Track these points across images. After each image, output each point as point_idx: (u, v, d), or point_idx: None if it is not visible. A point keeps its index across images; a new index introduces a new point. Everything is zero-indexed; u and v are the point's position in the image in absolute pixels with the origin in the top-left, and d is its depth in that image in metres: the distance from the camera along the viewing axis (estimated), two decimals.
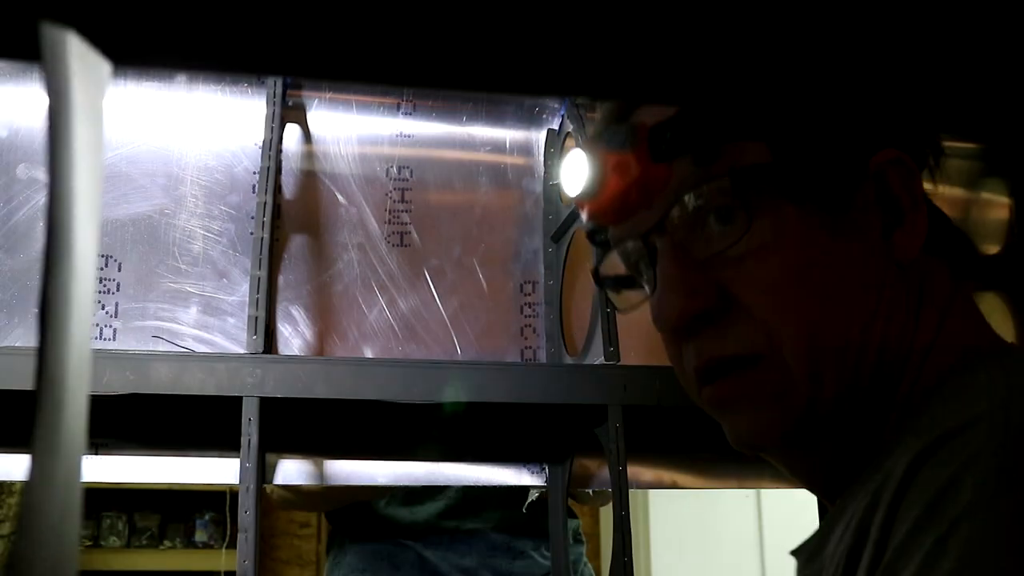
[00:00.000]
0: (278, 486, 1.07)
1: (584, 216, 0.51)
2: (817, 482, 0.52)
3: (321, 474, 0.97)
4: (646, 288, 0.52)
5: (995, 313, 0.88)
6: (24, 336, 0.89)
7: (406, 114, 1.05)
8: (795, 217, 0.46)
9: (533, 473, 1.01)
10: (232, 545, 2.69)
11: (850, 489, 0.46)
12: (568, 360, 0.98)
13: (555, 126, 1.07)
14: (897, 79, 0.26)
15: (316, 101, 1.03)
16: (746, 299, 0.46)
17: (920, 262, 0.48)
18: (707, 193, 0.46)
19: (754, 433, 0.49)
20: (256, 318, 0.83)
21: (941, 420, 0.41)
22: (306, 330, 0.97)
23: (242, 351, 0.87)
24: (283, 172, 0.99)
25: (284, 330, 0.96)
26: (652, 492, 2.61)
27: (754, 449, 0.51)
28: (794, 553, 0.52)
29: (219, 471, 0.92)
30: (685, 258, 0.47)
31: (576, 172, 0.50)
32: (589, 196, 0.49)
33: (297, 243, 0.99)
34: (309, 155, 1.01)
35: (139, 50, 0.22)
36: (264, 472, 0.89)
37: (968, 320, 0.49)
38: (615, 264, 0.54)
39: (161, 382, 0.75)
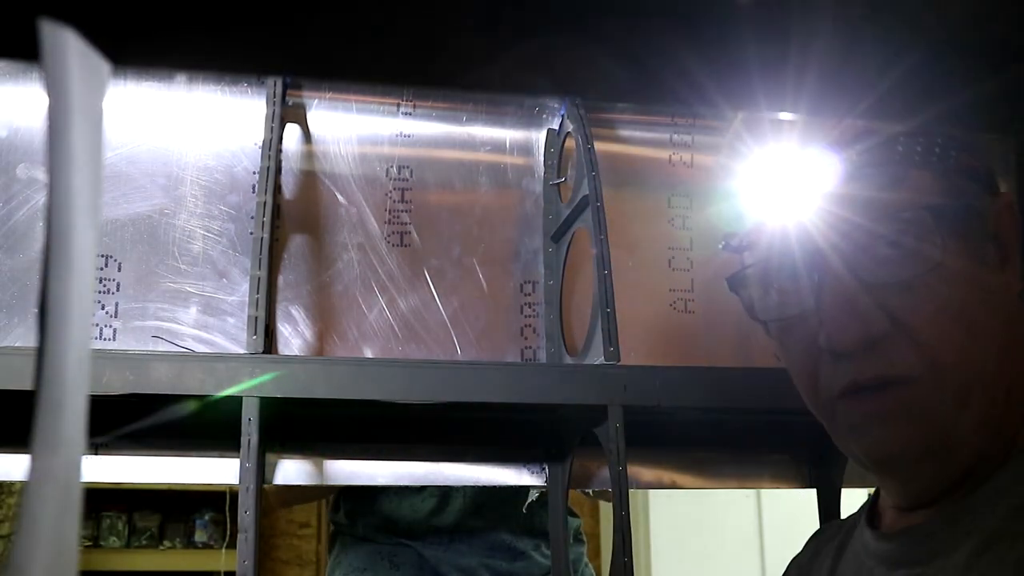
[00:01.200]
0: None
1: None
2: (919, 496, 0.53)
3: (321, 474, 0.97)
4: (800, 305, 0.53)
5: None
6: (24, 336, 0.89)
7: (406, 114, 1.05)
8: (964, 253, 0.49)
9: (533, 473, 1.01)
10: (232, 545, 2.69)
11: (967, 504, 0.49)
12: (568, 360, 0.98)
13: (555, 126, 1.07)
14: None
15: (316, 101, 1.03)
16: (914, 325, 0.49)
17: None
18: (898, 222, 0.48)
19: (900, 446, 0.50)
20: (256, 318, 0.83)
21: None
22: (306, 330, 0.97)
23: (242, 351, 0.87)
24: (283, 172, 0.99)
25: (284, 330, 0.96)
26: (652, 492, 2.61)
27: (888, 464, 0.52)
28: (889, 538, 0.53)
29: (219, 471, 0.92)
30: (856, 281, 0.49)
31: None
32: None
33: (297, 243, 0.99)
34: (309, 155, 1.01)
35: (139, 50, 0.22)
36: (264, 472, 0.89)
37: None
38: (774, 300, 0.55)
39: (161, 382, 0.75)
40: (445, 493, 1.27)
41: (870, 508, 0.59)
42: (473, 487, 1.21)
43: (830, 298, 0.50)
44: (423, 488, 1.26)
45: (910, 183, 0.48)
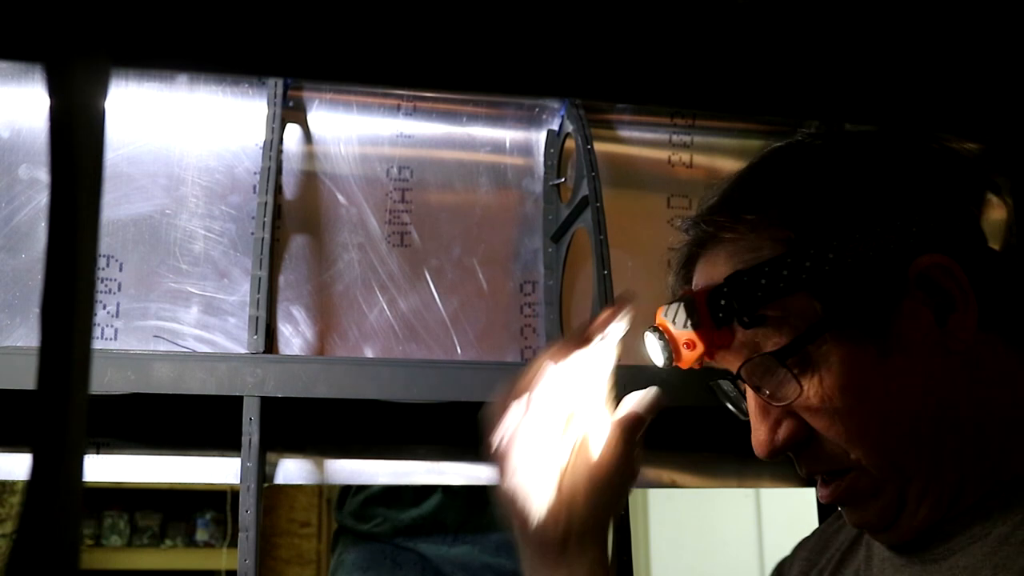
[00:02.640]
0: None
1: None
2: (919, 541, 0.55)
3: (322, 473, 0.97)
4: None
5: None
6: (26, 336, 0.90)
7: (406, 114, 1.05)
8: (845, 356, 0.50)
9: None
10: (233, 544, 2.69)
11: (982, 509, 0.50)
12: None
13: (555, 127, 1.07)
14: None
15: (316, 102, 1.03)
16: (821, 431, 0.52)
17: (979, 342, 0.51)
18: (755, 365, 0.52)
19: (871, 519, 0.54)
20: (257, 318, 0.83)
21: None
22: (306, 330, 0.97)
23: (243, 351, 0.87)
24: (284, 172, 0.99)
25: (285, 330, 0.96)
26: (652, 492, 2.61)
27: (874, 530, 0.55)
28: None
29: (220, 470, 0.92)
30: (761, 400, 0.54)
31: (654, 349, 0.58)
32: (671, 365, 0.57)
33: (297, 243, 0.99)
34: (310, 155, 1.02)
35: (140, 51, 0.22)
36: (265, 471, 0.89)
37: None
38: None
39: (162, 382, 0.76)
40: (447, 490, 1.27)
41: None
42: (473, 487, 1.21)
43: (750, 411, 0.56)
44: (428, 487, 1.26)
45: (786, 311, 0.51)
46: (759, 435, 0.55)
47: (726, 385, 0.59)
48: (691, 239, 0.56)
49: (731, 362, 0.55)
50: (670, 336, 0.55)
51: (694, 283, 0.56)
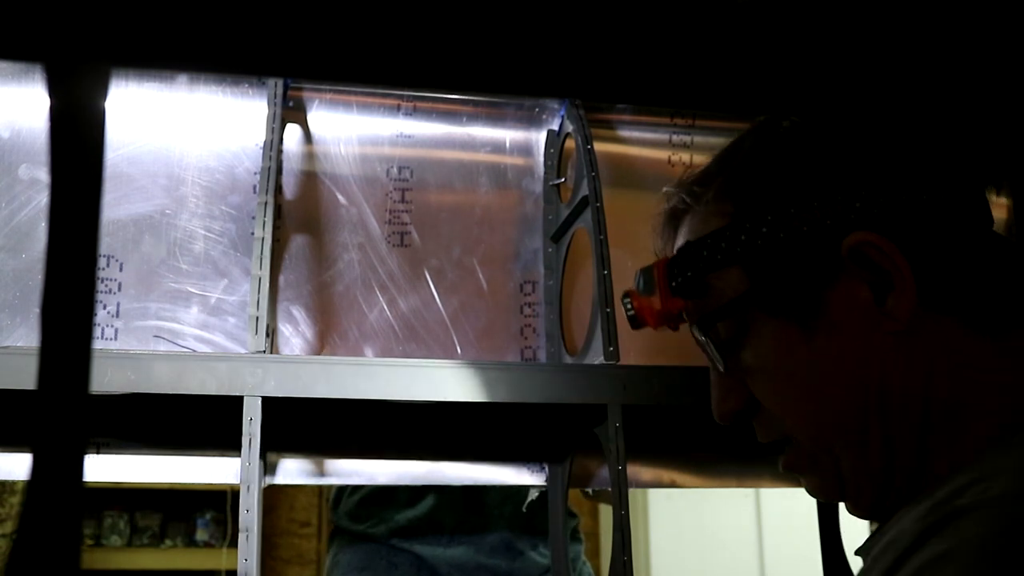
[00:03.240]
0: None
1: None
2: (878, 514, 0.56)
3: (322, 473, 0.97)
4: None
5: None
6: (26, 336, 0.90)
7: (406, 114, 1.05)
8: (772, 331, 0.52)
9: (533, 473, 1.01)
10: (233, 544, 2.69)
11: (898, 515, 0.50)
12: (568, 360, 0.98)
13: (555, 126, 1.07)
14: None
15: (316, 101, 1.03)
16: (763, 402, 0.55)
17: (927, 326, 0.50)
18: (704, 332, 0.55)
19: (817, 494, 0.56)
20: (257, 318, 0.83)
21: (958, 495, 0.44)
22: (307, 330, 0.97)
23: (243, 351, 0.87)
24: (284, 172, 0.99)
25: (285, 330, 0.96)
26: (652, 492, 2.61)
27: (827, 498, 0.57)
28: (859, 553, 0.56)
29: (220, 470, 0.92)
30: (712, 364, 0.57)
31: (625, 313, 0.62)
32: (638, 328, 0.61)
33: (298, 243, 0.99)
34: (310, 155, 1.02)
35: (140, 51, 0.22)
36: (265, 471, 0.89)
37: (1000, 375, 0.50)
38: None
39: (162, 382, 0.76)
40: (443, 491, 1.27)
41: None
42: (472, 487, 1.21)
43: (711, 378, 0.58)
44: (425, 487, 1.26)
45: (721, 283, 0.53)
46: (713, 400, 0.58)
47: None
48: (665, 209, 0.59)
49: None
50: (636, 302, 0.59)
51: (664, 252, 0.60)
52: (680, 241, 0.56)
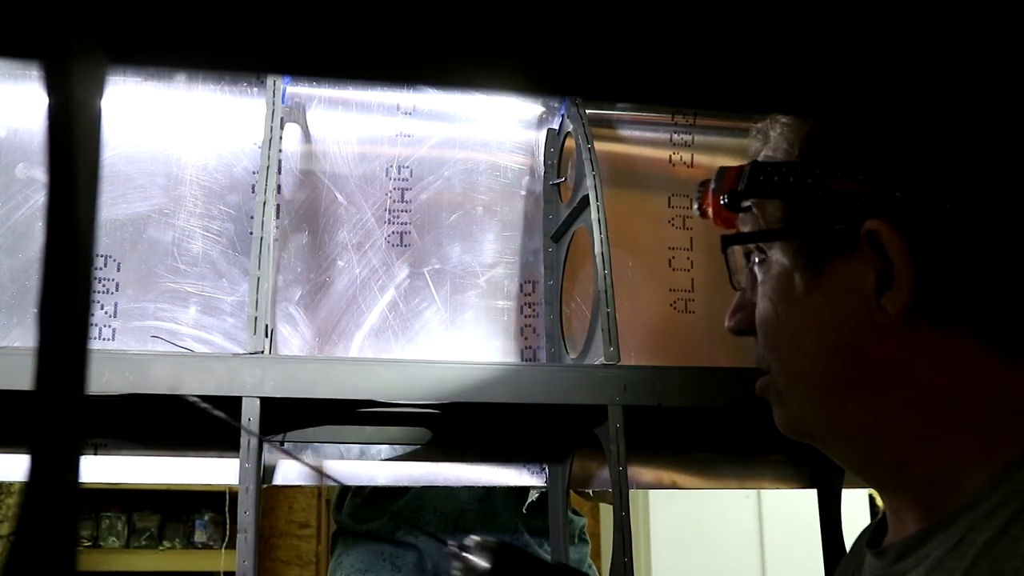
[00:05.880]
0: None
1: None
2: (873, 481, 0.57)
3: (320, 475, 0.96)
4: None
5: None
6: (23, 336, 0.89)
7: (406, 114, 1.05)
8: (782, 272, 0.55)
9: (533, 473, 1.01)
10: (231, 545, 2.69)
11: (944, 520, 0.50)
12: (568, 360, 0.98)
13: (555, 126, 1.07)
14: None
15: (316, 101, 1.03)
16: (757, 326, 0.57)
17: (937, 339, 0.50)
18: (741, 245, 0.59)
19: (781, 424, 0.58)
20: (256, 318, 0.83)
21: None
22: (306, 330, 0.97)
23: (241, 351, 0.87)
24: (283, 172, 0.99)
25: (284, 330, 0.96)
26: (652, 492, 2.61)
27: (795, 436, 0.59)
28: (873, 549, 0.57)
29: (218, 471, 0.92)
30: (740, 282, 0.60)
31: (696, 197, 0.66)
32: (704, 215, 0.64)
33: (297, 243, 0.98)
34: (309, 155, 1.01)
35: (138, 49, 0.22)
36: (263, 472, 0.89)
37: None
38: None
39: (160, 382, 0.75)
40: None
41: (873, 532, 0.59)
42: (473, 487, 1.21)
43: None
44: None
45: (762, 210, 0.57)
46: (729, 310, 0.61)
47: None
48: (759, 127, 0.62)
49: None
50: (705, 195, 0.63)
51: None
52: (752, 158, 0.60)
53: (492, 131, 1.06)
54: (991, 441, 0.49)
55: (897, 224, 0.50)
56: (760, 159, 0.57)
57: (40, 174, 0.93)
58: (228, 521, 2.82)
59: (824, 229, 0.53)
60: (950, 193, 0.50)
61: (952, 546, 0.48)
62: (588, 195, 0.91)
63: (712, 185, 0.61)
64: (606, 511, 2.71)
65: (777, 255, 0.55)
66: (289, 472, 0.94)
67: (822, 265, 0.53)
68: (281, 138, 0.97)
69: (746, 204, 0.57)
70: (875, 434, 0.52)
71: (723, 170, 0.60)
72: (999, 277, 0.50)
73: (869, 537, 0.58)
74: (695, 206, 0.64)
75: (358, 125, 1.03)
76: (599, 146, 0.96)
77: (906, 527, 0.53)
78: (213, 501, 2.93)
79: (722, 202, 0.58)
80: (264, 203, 0.87)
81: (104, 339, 0.91)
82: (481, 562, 0.68)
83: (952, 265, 0.50)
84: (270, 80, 0.97)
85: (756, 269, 0.57)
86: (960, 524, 0.48)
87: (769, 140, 0.59)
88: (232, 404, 0.77)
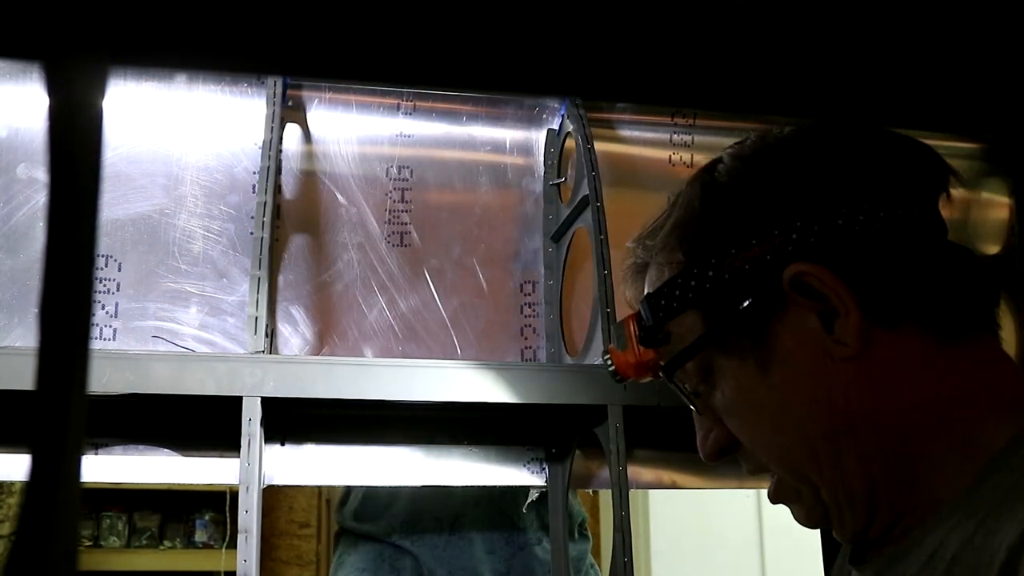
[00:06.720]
0: None
1: None
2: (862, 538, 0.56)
3: (321, 474, 0.96)
4: None
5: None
6: (24, 336, 0.89)
7: (406, 114, 1.05)
8: (732, 369, 0.54)
9: (533, 473, 1.01)
10: (232, 545, 2.68)
11: (929, 532, 0.49)
12: (568, 360, 0.98)
13: (555, 126, 1.07)
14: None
15: (316, 101, 1.03)
16: (738, 436, 0.56)
17: (886, 344, 0.50)
18: (679, 376, 0.57)
19: (802, 521, 0.56)
20: (256, 318, 0.83)
21: None
22: (306, 330, 0.97)
23: (242, 351, 0.87)
24: (283, 172, 0.99)
25: (284, 330, 0.96)
26: (652, 492, 2.61)
27: (815, 527, 0.57)
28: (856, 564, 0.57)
29: (219, 471, 0.92)
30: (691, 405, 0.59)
31: (607, 366, 0.65)
32: (623, 382, 0.66)
33: (297, 243, 0.99)
34: (309, 155, 1.01)
35: (139, 49, 0.22)
36: (264, 472, 0.89)
37: (978, 379, 0.50)
38: None
39: (161, 382, 0.75)
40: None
41: (854, 547, 0.59)
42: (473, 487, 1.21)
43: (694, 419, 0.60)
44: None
45: (680, 329, 0.55)
46: (698, 440, 0.59)
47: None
48: (629, 264, 0.61)
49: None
50: (615, 357, 0.63)
51: (635, 306, 0.62)
52: (643, 295, 0.59)
53: (492, 131, 1.06)
54: (964, 457, 0.49)
55: (812, 258, 0.51)
56: (650, 290, 0.57)
57: (41, 174, 0.93)
58: (228, 521, 2.82)
59: (748, 306, 0.52)
60: (857, 207, 0.51)
61: (923, 563, 0.48)
62: (588, 195, 0.91)
63: (616, 343, 0.60)
64: (606, 510, 2.71)
65: (719, 359, 0.54)
66: (289, 472, 0.94)
67: (764, 339, 0.52)
68: (281, 138, 0.97)
69: (661, 336, 0.56)
70: (876, 464, 0.51)
71: (617, 327, 0.60)
72: (924, 266, 0.51)
73: (851, 553, 0.58)
74: (615, 379, 0.63)
75: (358, 125, 1.03)
76: (599, 146, 0.96)
77: (848, 522, 0.53)
78: (214, 501, 2.93)
79: (641, 342, 0.57)
80: (264, 203, 0.87)
81: (105, 339, 0.91)
82: None
83: (882, 270, 0.51)
84: (270, 80, 0.97)
85: (704, 387, 0.56)
86: (929, 541, 0.48)
87: (650, 266, 0.58)
88: (233, 404, 0.77)
